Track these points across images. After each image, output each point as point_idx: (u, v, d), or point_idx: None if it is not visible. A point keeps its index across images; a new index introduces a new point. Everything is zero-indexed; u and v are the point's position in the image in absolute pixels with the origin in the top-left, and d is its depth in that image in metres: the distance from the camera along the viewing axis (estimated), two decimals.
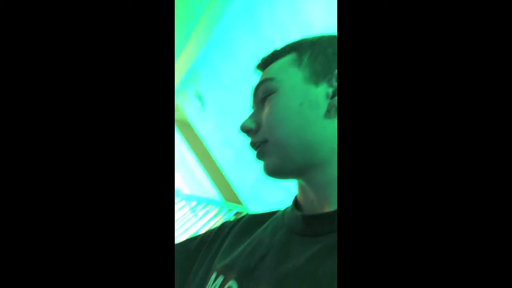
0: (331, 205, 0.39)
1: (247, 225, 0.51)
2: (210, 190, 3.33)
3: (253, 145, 0.45)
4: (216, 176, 3.09)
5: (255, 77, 0.49)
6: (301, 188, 0.45)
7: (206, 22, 1.83)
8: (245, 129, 0.46)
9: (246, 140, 0.46)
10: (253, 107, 0.48)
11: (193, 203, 3.45)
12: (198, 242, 0.52)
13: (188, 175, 3.58)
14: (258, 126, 0.45)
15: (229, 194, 3.05)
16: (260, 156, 0.44)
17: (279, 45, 0.47)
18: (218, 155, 2.48)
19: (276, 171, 0.43)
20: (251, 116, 0.47)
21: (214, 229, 0.53)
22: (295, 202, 0.46)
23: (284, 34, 1.59)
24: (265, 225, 0.48)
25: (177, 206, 3.49)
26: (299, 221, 0.41)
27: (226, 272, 0.42)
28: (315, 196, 0.42)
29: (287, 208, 0.47)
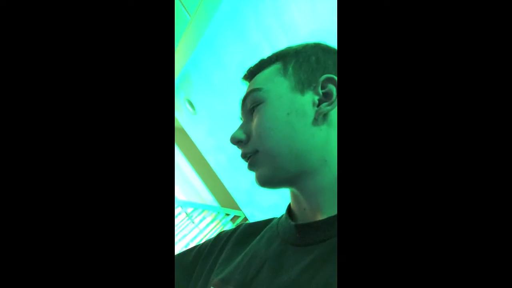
0: (323, 213, 0.39)
1: (243, 236, 0.50)
2: (206, 196, 3.32)
3: (244, 156, 0.45)
4: (211, 182, 3.08)
5: (244, 86, 0.49)
6: (294, 196, 0.45)
7: (194, 28, 1.83)
8: (235, 141, 0.45)
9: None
10: (242, 118, 0.48)
11: (189, 210, 3.43)
12: (195, 255, 0.52)
13: (183, 182, 3.56)
14: (248, 137, 0.45)
15: (225, 199, 3.04)
16: (251, 166, 0.44)
17: (266, 50, 0.47)
18: (212, 160, 2.47)
19: (268, 181, 0.42)
20: (241, 127, 0.47)
21: (210, 240, 0.53)
22: (289, 210, 0.47)
23: (271, 40, 1.60)
24: (260, 236, 0.47)
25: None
26: (292, 230, 0.41)
27: (222, 286, 0.42)
28: (307, 204, 0.42)
29: (281, 217, 0.48)
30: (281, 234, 0.43)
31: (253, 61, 0.48)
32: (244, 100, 0.46)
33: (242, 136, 0.45)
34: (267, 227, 0.49)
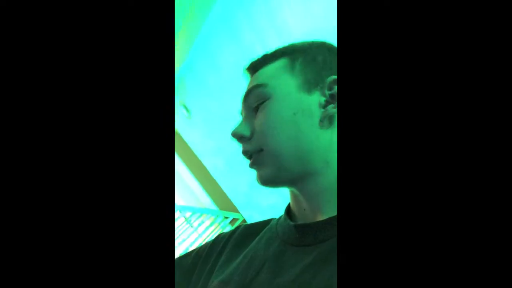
0: (324, 214, 0.39)
1: (242, 237, 0.50)
2: (204, 200, 3.31)
3: (246, 153, 0.44)
4: (209, 185, 3.07)
5: (243, 81, 0.49)
6: (294, 197, 0.44)
7: (187, 32, 1.83)
8: (238, 136, 0.44)
9: (237, 147, 0.45)
10: (242, 113, 0.47)
11: (188, 214, 3.43)
12: (193, 257, 0.51)
13: (181, 186, 3.56)
14: (252, 133, 0.43)
15: (223, 202, 3.04)
16: (254, 165, 0.43)
17: (260, 51, 0.47)
18: (209, 163, 2.47)
19: (270, 180, 0.42)
20: (244, 123, 0.45)
21: (208, 242, 0.53)
22: (288, 210, 0.46)
23: (263, 40, 1.60)
24: (259, 237, 0.47)
25: None
26: (292, 231, 0.41)
27: None
28: (308, 205, 0.41)
29: (280, 217, 0.47)
30: (281, 234, 0.43)
31: (246, 63, 0.48)
32: (247, 95, 0.45)
33: (246, 132, 0.44)
34: (266, 228, 0.48)
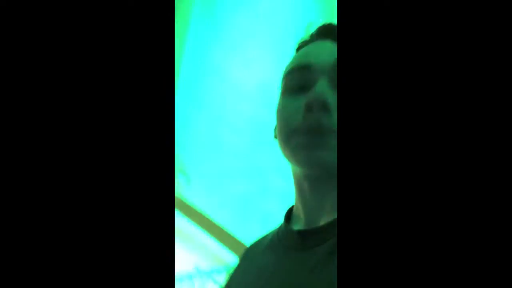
0: (328, 216, 0.40)
1: (247, 257, 0.53)
2: (226, 256, 3.32)
3: (318, 127, 0.39)
4: (226, 240, 3.11)
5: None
6: (303, 196, 0.45)
7: None
8: (325, 105, 0.38)
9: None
10: (316, 76, 0.40)
11: (215, 276, 3.39)
12: None
13: (201, 250, 3.56)
14: (333, 109, 0.38)
15: (241, 251, 3.05)
16: (319, 143, 0.39)
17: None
18: (220, 219, 2.56)
19: (329, 165, 0.39)
20: (328, 93, 0.38)
21: None
22: (288, 215, 0.49)
23: (242, 95, 1.76)
24: (263, 250, 0.49)
25: (200, 285, 3.43)
26: (295, 237, 0.43)
27: None
28: (318, 206, 0.42)
29: (280, 226, 0.50)
30: (283, 241, 0.45)
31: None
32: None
33: (331, 103, 0.38)
34: (268, 241, 0.50)
